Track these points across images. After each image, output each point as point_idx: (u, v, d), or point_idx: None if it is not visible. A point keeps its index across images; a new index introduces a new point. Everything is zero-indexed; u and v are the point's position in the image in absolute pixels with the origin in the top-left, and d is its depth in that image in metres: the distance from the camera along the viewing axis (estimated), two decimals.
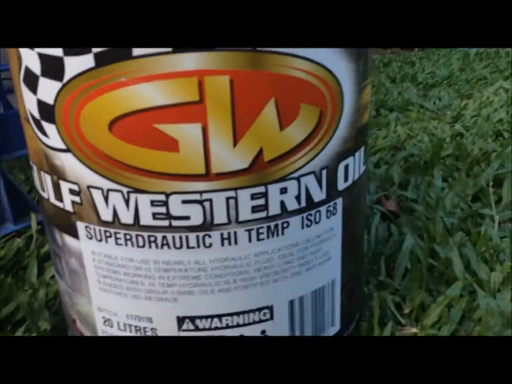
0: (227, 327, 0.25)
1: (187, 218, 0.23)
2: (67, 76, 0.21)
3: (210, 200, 0.22)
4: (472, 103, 0.82)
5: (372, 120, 0.75)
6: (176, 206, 0.22)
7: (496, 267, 0.36)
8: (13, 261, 0.42)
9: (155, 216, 0.23)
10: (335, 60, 0.23)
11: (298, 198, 0.24)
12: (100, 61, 0.21)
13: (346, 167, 0.25)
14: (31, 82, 0.23)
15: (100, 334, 0.27)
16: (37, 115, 0.23)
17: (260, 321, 0.26)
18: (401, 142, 0.65)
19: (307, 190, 0.24)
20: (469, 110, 0.78)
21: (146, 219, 0.23)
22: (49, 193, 0.25)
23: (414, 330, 0.31)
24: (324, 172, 0.24)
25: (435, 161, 0.57)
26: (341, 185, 0.25)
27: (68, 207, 0.24)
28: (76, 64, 0.21)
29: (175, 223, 0.23)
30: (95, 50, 0.20)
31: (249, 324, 0.25)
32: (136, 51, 0.20)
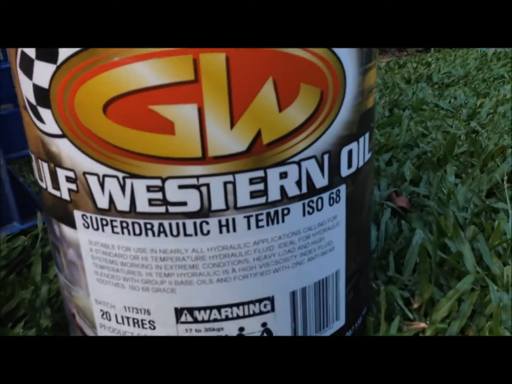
0: (227, 319, 0.24)
1: (184, 204, 0.22)
2: (61, 57, 0.21)
3: (207, 185, 0.22)
4: (489, 101, 0.80)
5: (385, 119, 0.74)
6: (172, 191, 0.22)
7: (510, 262, 0.35)
8: (18, 259, 0.42)
9: (151, 202, 0.22)
10: None
11: (299, 183, 0.23)
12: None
13: (350, 152, 0.24)
14: (27, 66, 0.22)
15: (98, 328, 0.26)
16: (33, 100, 0.23)
17: (261, 312, 0.25)
18: (414, 140, 0.63)
19: (308, 175, 0.23)
20: (485, 108, 0.76)
21: (142, 205, 0.22)
22: (46, 182, 0.25)
23: (422, 325, 0.30)
24: (326, 156, 0.23)
25: (448, 157, 0.55)
26: (345, 171, 0.25)
27: (65, 195, 0.24)
28: None
29: (171, 209, 0.22)
30: None
31: (249, 316, 0.25)
32: None
